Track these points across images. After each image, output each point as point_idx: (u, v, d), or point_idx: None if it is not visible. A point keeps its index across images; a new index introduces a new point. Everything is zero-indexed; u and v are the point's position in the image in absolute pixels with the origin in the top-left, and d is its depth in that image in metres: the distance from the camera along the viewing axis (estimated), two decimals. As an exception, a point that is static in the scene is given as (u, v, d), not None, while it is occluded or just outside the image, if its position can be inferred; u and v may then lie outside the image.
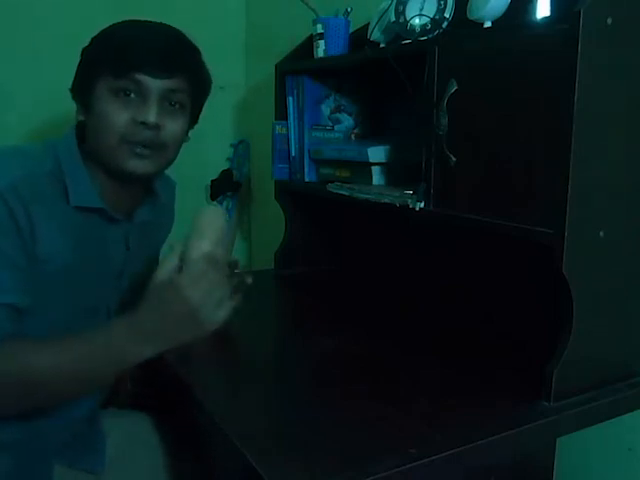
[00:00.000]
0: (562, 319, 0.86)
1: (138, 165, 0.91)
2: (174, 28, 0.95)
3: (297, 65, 1.47)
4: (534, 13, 0.92)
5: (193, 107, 0.97)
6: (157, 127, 0.90)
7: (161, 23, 0.94)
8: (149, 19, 0.94)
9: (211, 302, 0.78)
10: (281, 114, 1.50)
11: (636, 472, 1.09)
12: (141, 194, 1.01)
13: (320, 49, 1.39)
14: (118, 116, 0.89)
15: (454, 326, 1.18)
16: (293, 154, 1.49)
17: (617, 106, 0.83)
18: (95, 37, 0.94)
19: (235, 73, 2.00)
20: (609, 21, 0.79)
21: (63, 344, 0.80)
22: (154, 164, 0.93)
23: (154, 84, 0.89)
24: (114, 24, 0.94)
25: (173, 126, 0.93)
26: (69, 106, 0.96)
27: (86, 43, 0.94)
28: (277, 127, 1.50)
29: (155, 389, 1.19)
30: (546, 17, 0.91)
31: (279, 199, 1.58)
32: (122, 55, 0.88)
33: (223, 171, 2.03)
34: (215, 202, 2.06)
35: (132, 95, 0.89)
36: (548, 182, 0.83)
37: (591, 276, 0.86)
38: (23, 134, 1.66)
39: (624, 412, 0.95)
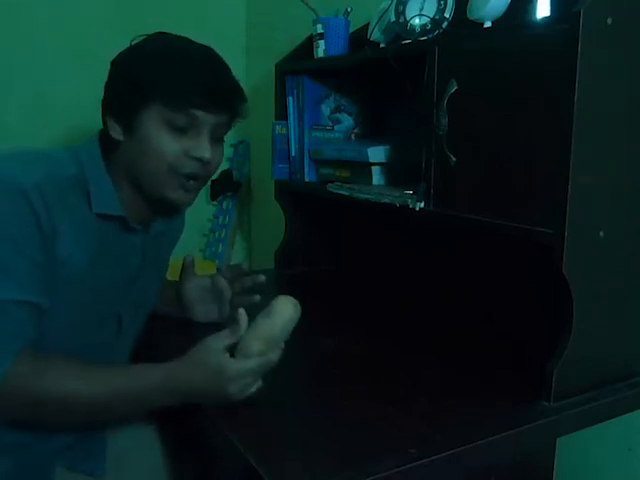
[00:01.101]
0: (562, 319, 0.86)
1: (183, 197, 0.94)
2: (219, 55, 0.95)
3: (297, 65, 1.47)
4: (534, 13, 0.92)
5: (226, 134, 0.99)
6: (209, 162, 0.92)
7: (206, 48, 0.94)
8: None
9: (244, 390, 0.83)
10: (281, 114, 1.50)
11: (636, 472, 1.09)
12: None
13: (320, 49, 1.39)
14: (169, 147, 0.89)
15: (454, 326, 1.18)
16: (293, 154, 1.49)
17: (617, 106, 0.83)
18: (139, 56, 0.91)
19: (235, 73, 2.00)
20: (609, 21, 0.79)
21: (102, 376, 0.84)
22: (196, 194, 0.97)
23: (207, 119, 0.90)
24: (158, 43, 0.92)
25: (217, 157, 0.95)
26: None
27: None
28: (277, 127, 1.50)
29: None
30: (546, 17, 0.91)
31: (279, 199, 1.58)
32: (181, 90, 0.88)
33: (223, 171, 2.03)
34: (215, 202, 2.07)
35: (185, 128, 0.90)
36: (548, 182, 0.83)
37: (591, 276, 0.86)
38: (24, 134, 1.66)
39: (624, 412, 0.95)
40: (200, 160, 0.91)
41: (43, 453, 0.95)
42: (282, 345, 0.85)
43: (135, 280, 1.00)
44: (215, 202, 2.07)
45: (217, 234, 2.07)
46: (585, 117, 0.79)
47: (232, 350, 0.83)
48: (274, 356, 0.83)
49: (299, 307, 0.85)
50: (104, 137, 0.94)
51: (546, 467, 1.09)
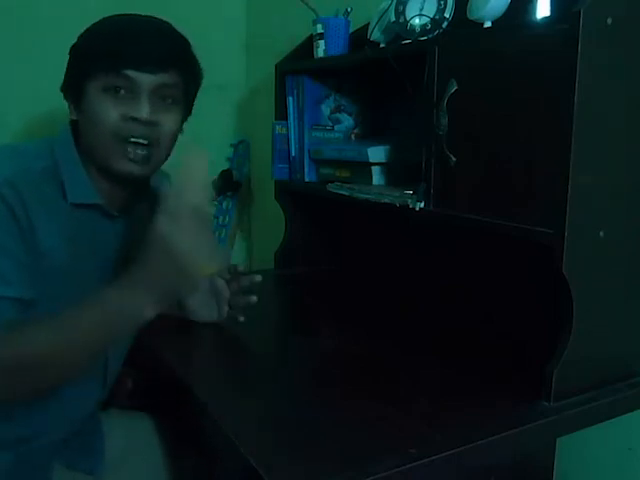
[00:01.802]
0: (562, 319, 0.86)
1: (129, 167, 0.91)
2: (164, 21, 0.94)
3: (297, 65, 1.47)
4: (534, 13, 0.92)
5: (186, 100, 0.97)
6: (151, 123, 0.89)
7: (150, 16, 0.93)
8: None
9: (194, 245, 0.77)
10: (281, 114, 1.50)
11: (636, 472, 1.09)
12: (137, 190, 1.00)
13: (320, 49, 1.39)
14: (108, 113, 0.88)
15: (454, 326, 1.18)
16: (293, 154, 1.49)
17: (617, 106, 0.83)
18: (82, 35, 0.93)
19: (235, 73, 2.00)
20: (609, 21, 0.79)
21: (61, 317, 0.78)
22: (149, 165, 0.92)
23: (145, 80, 0.88)
24: (101, 21, 0.93)
25: (168, 122, 0.92)
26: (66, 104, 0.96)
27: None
28: (277, 127, 1.50)
29: (155, 389, 1.20)
30: (546, 17, 0.91)
31: (279, 199, 1.58)
32: (110, 51, 0.87)
33: (223, 171, 2.03)
34: (215, 202, 2.07)
35: (122, 92, 0.88)
36: (548, 182, 0.83)
37: (591, 276, 0.86)
38: (23, 133, 1.66)
39: (624, 412, 0.95)
40: (138, 120, 0.88)
41: (42, 449, 0.95)
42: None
43: (121, 273, 0.99)
44: (215, 202, 2.07)
45: (217, 234, 2.07)
46: (585, 117, 0.79)
47: None
48: (197, 199, 0.78)
49: (203, 155, 0.80)
50: (73, 124, 0.95)
51: (546, 467, 1.09)
